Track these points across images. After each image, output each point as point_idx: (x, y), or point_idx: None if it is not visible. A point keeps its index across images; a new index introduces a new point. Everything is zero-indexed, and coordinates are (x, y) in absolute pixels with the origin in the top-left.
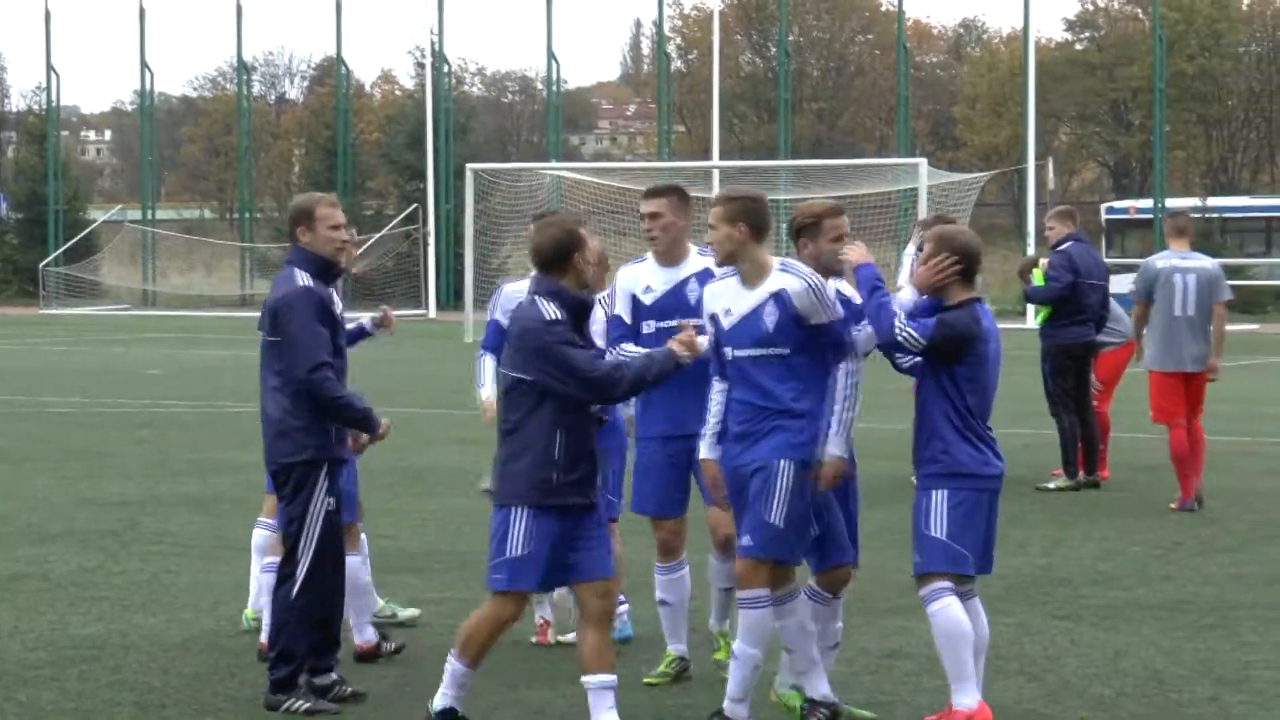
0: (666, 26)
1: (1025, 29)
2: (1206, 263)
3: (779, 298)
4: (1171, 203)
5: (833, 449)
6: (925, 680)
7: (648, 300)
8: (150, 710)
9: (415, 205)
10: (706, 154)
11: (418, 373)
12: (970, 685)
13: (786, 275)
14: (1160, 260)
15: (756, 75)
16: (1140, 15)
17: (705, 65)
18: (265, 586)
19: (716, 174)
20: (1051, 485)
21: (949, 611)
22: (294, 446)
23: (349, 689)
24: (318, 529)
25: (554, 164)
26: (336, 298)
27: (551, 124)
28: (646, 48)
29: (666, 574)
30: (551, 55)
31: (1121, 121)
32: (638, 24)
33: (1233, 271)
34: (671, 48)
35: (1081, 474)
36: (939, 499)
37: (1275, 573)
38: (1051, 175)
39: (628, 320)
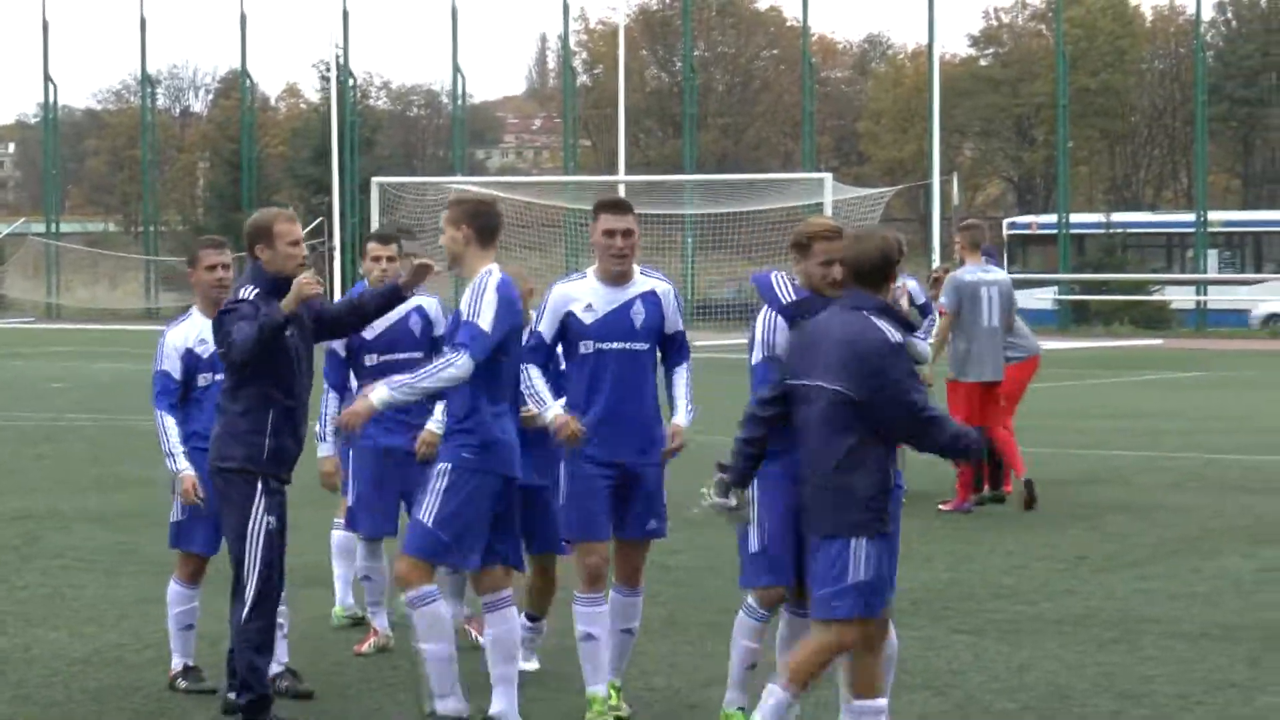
0: (572, 41)
1: (930, 45)
2: (1003, 275)
3: None
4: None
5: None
6: (829, 695)
7: (588, 320)
8: None
9: (320, 219)
10: (612, 169)
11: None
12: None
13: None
14: (967, 274)
15: (662, 90)
16: (1044, 31)
17: (611, 80)
18: (348, 582)
19: (622, 189)
20: (946, 507)
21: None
22: (225, 451)
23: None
24: (260, 547)
25: (460, 178)
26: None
27: (457, 138)
28: (552, 62)
29: (591, 606)
30: (457, 69)
31: (1025, 137)
32: (543, 38)
33: (1136, 286)
34: (577, 62)
35: (986, 489)
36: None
37: (1178, 588)
38: (956, 190)
39: (548, 340)
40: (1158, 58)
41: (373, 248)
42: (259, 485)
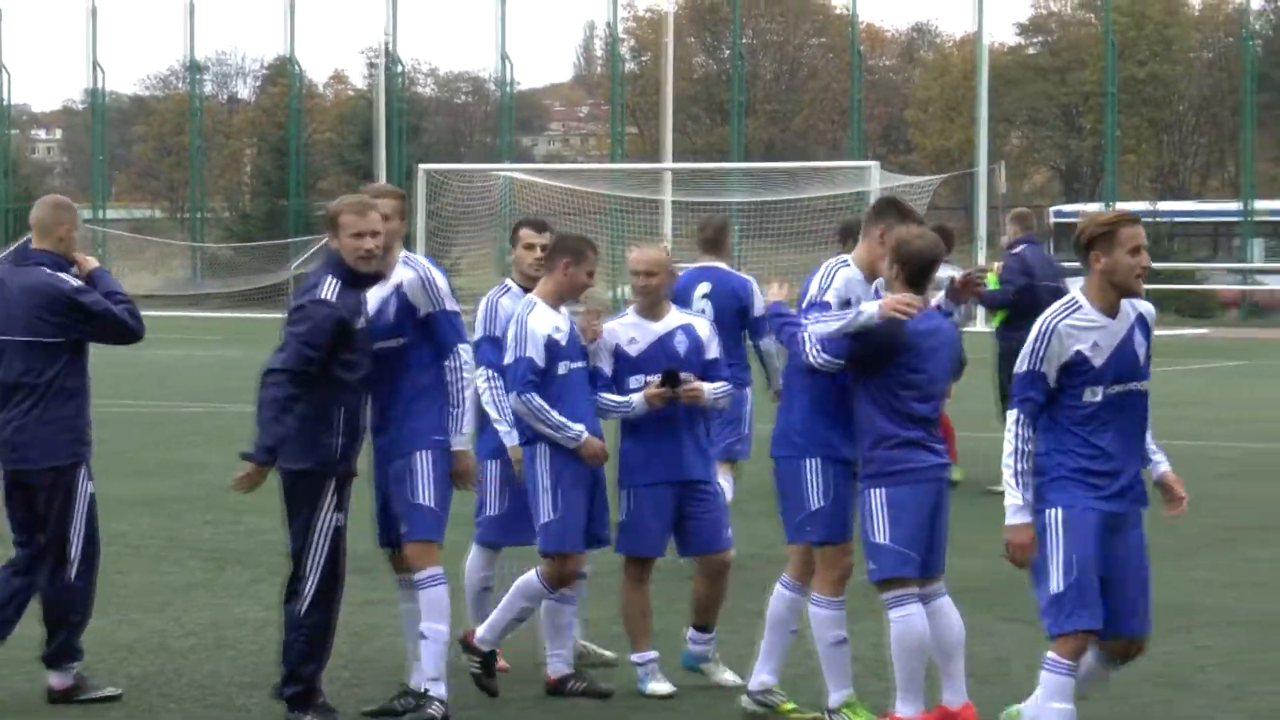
0: (619, 28)
1: (978, 33)
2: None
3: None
4: (1122, 205)
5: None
6: (871, 683)
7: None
8: (95, 712)
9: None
10: (659, 156)
11: None
12: (914, 696)
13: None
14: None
15: (709, 77)
16: (1092, 20)
17: (658, 67)
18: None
19: (669, 176)
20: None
21: (910, 620)
22: (294, 454)
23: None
24: (326, 544)
25: (506, 165)
26: (364, 306)
27: (504, 125)
28: (599, 49)
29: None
30: (504, 56)
31: (1072, 125)
32: (590, 25)
33: (1182, 275)
34: (624, 49)
35: None
36: (878, 499)
37: (1231, 577)
38: (1003, 179)
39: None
40: (1205, 46)
41: (526, 234)
42: (331, 482)
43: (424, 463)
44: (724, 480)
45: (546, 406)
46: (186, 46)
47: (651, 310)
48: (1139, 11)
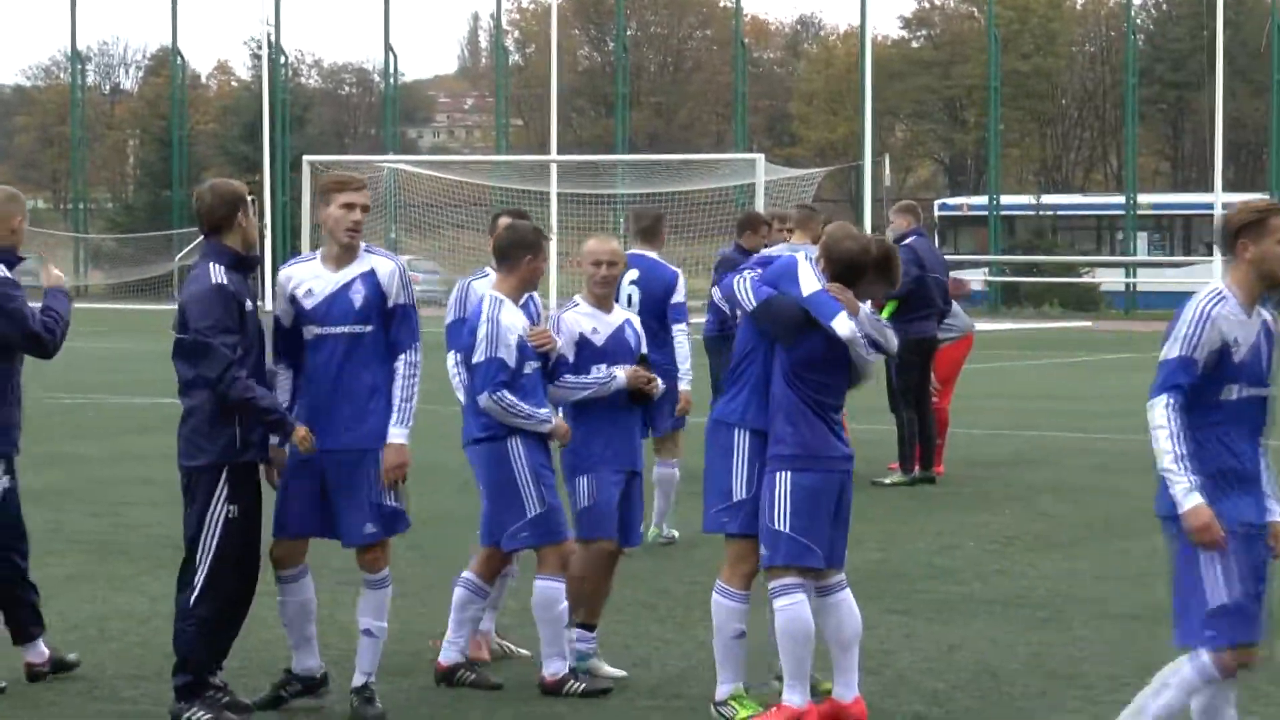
0: (504, 20)
1: (862, 26)
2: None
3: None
4: (1007, 199)
5: (392, 436)
6: (762, 675)
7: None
8: None
9: (252, 197)
10: (544, 148)
11: None
12: (802, 685)
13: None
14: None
15: (594, 70)
16: (975, 14)
17: (543, 59)
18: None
19: (554, 168)
20: (887, 480)
21: (795, 610)
22: (191, 450)
23: (230, 697)
24: (217, 535)
25: (391, 157)
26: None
27: (389, 116)
28: (484, 41)
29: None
30: (389, 47)
31: (957, 119)
32: (475, 17)
33: (1065, 269)
34: (509, 41)
35: (917, 469)
36: (783, 482)
37: (1108, 569)
38: (888, 172)
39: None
40: (1088, 40)
41: (506, 224)
42: (223, 476)
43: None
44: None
45: (516, 400)
46: (69, 36)
47: (605, 302)
48: (1022, 5)
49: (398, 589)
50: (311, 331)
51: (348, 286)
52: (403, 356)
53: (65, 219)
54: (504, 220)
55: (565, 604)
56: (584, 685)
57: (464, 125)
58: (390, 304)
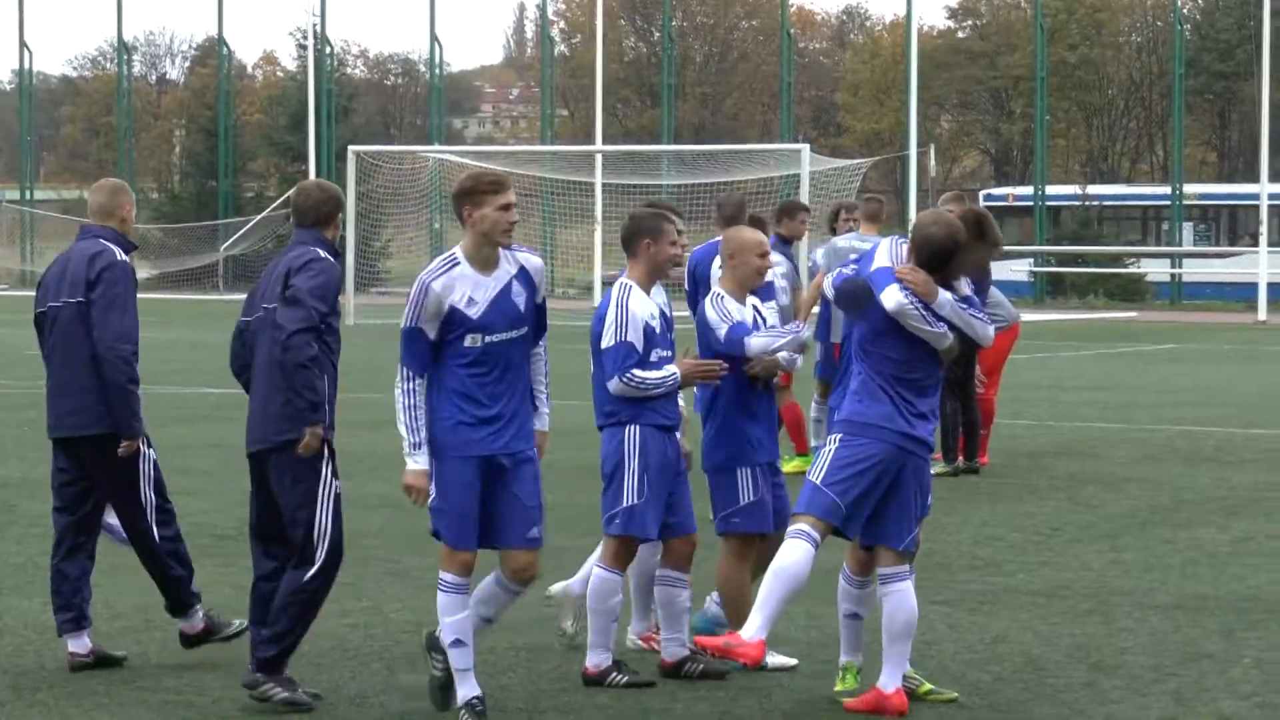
0: (550, 10)
1: (908, 16)
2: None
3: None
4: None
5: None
6: (803, 665)
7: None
8: (24, 694)
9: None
10: (590, 139)
11: None
12: (761, 621)
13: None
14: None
15: (640, 60)
16: (1022, 3)
17: (589, 49)
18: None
19: (599, 159)
20: (932, 471)
21: (788, 553)
22: (289, 424)
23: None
24: (331, 511)
25: (436, 147)
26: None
27: (434, 106)
28: (530, 31)
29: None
30: (434, 38)
31: (1003, 109)
32: (521, 7)
33: (1110, 259)
34: (555, 31)
35: (961, 460)
36: (831, 444)
37: (1152, 560)
38: (933, 162)
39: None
40: (1135, 31)
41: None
42: (326, 451)
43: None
44: None
45: (644, 374)
46: (115, 26)
47: (744, 293)
48: None
49: (428, 579)
50: (476, 340)
51: (508, 290)
52: (537, 351)
53: None
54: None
55: (619, 598)
56: (626, 678)
57: (509, 116)
58: (538, 299)
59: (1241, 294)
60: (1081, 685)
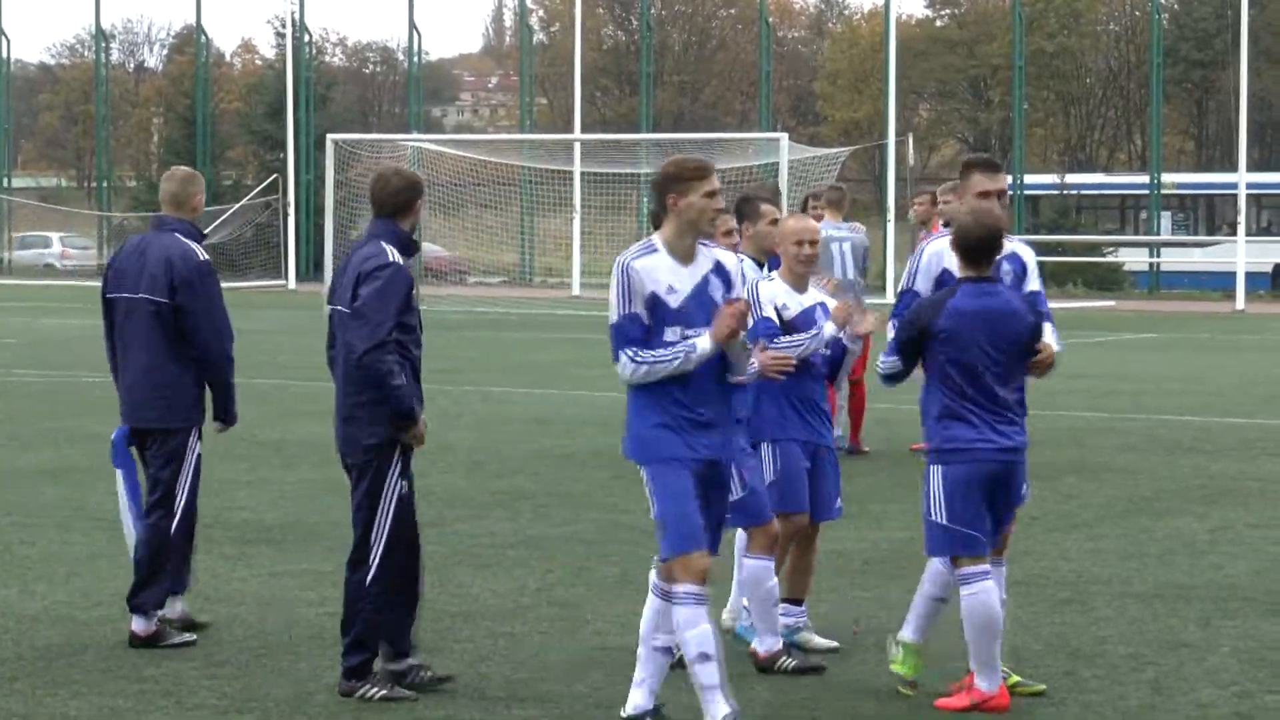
0: None
1: (886, 5)
2: (856, 234)
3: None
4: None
5: None
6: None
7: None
8: (2, 683)
9: (275, 175)
10: (568, 127)
11: (277, 344)
12: (990, 671)
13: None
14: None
15: (619, 48)
16: None
17: (568, 38)
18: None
19: (578, 147)
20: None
21: (976, 597)
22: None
23: (428, 673)
24: (391, 512)
25: (415, 135)
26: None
27: (413, 95)
28: (509, 20)
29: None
30: (413, 26)
31: (981, 98)
32: None
33: (1089, 248)
34: (534, 20)
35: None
36: (935, 476)
37: (1131, 549)
38: (911, 151)
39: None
40: (1113, 20)
41: (767, 210)
42: (396, 451)
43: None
44: None
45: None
46: (93, 14)
47: (802, 281)
48: None
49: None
50: (676, 334)
51: (706, 283)
52: None
53: (89, 197)
54: (764, 207)
55: (774, 581)
56: (795, 662)
57: (488, 104)
58: (733, 295)
59: (1219, 283)
60: (1061, 674)
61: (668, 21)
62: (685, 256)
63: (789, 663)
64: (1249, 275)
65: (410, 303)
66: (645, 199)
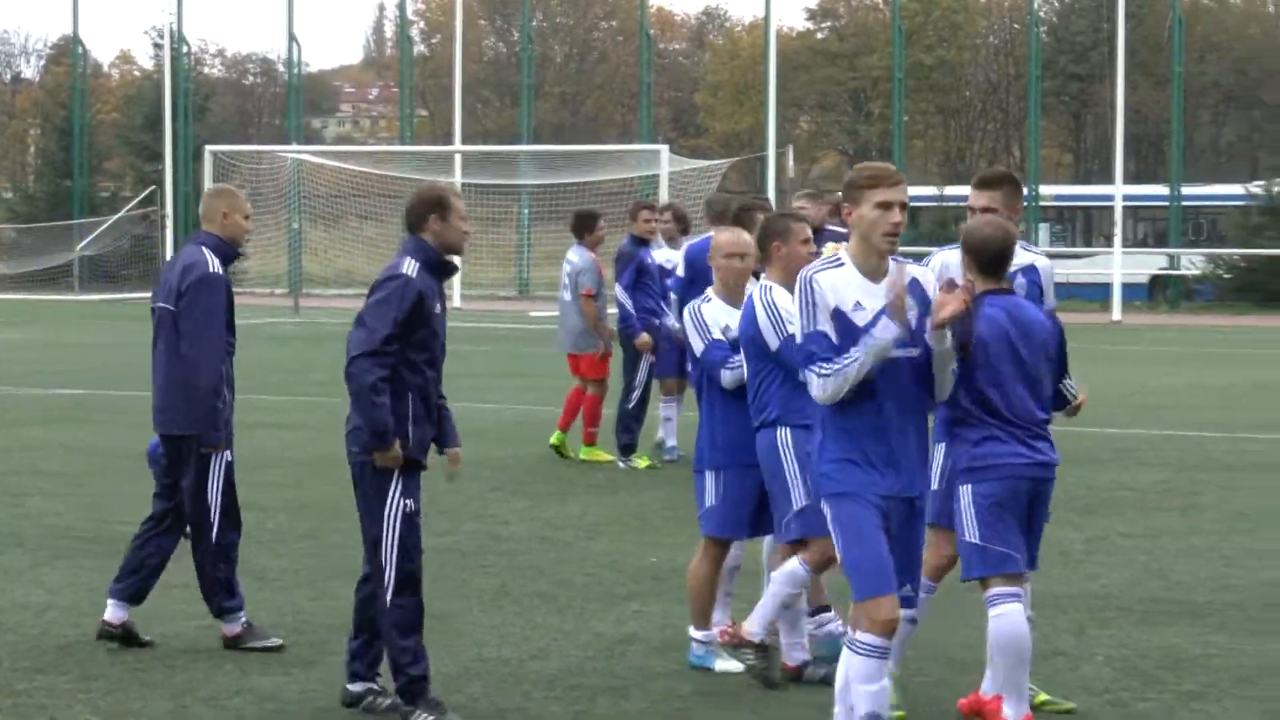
0: (410, 10)
1: (766, 17)
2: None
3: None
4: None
5: None
6: (658, 664)
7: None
8: None
9: (153, 187)
10: (449, 139)
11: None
12: (1017, 697)
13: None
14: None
15: (500, 60)
16: (880, 5)
17: (448, 50)
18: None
19: (458, 159)
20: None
21: (1004, 620)
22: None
23: (385, 700)
24: (397, 531)
25: (295, 147)
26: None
27: (292, 106)
28: (390, 31)
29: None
30: (293, 37)
31: (861, 110)
32: (381, 7)
33: None
34: (415, 31)
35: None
36: (965, 495)
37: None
38: (791, 163)
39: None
40: (992, 33)
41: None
42: (395, 473)
43: None
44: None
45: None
46: None
47: (738, 295)
48: None
49: (293, 579)
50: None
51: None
52: None
53: None
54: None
55: (802, 593)
56: (824, 672)
57: (369, 116)
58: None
59: (1096, 294)
60: (935, 682)
61: (549, 33)
62: (874, 274)
63: (817, 673)
64: (1126, 286)
65: (426, 320)
66: (526, 210)
